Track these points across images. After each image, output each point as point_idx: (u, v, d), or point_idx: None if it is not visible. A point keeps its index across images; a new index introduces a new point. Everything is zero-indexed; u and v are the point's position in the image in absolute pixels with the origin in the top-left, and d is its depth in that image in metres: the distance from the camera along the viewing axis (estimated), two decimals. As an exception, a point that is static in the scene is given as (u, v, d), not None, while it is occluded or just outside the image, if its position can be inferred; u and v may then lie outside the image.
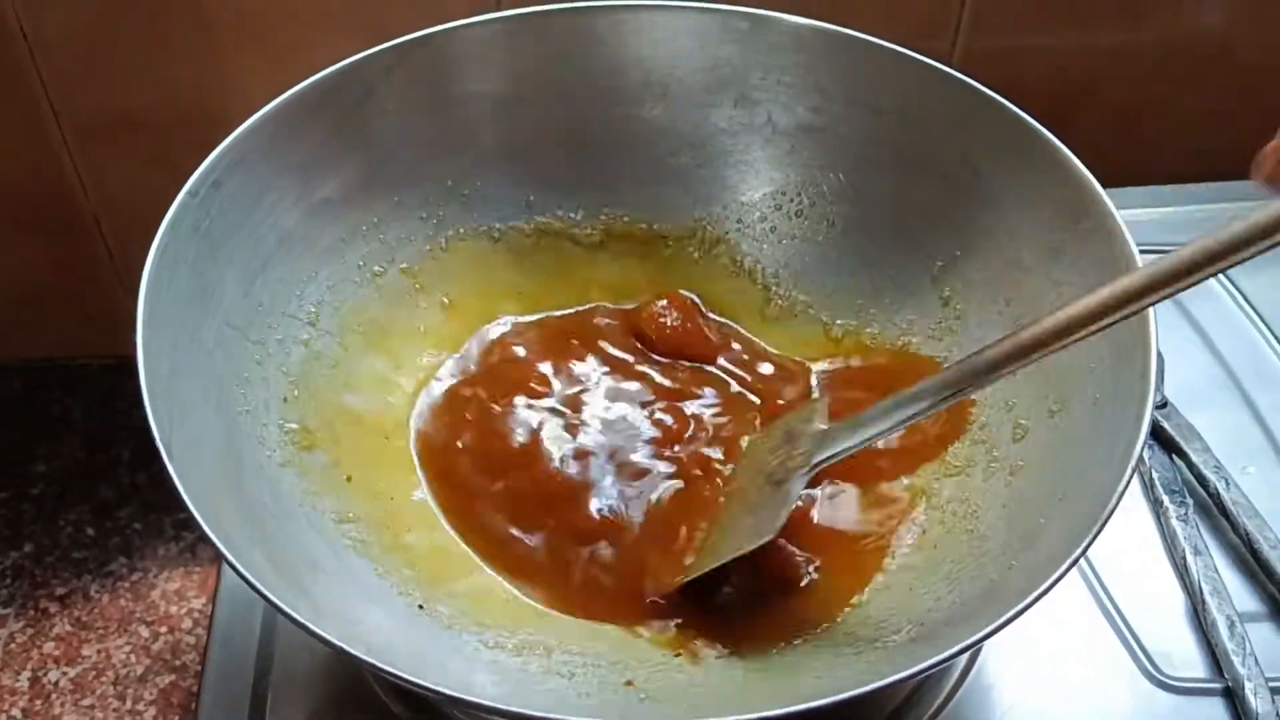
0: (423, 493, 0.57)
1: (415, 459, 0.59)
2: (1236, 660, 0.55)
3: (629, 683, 0.50)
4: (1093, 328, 0.43)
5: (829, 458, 0.52)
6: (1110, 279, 0.51)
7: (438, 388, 0.61)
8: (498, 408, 0.60)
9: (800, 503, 0.56)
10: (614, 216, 0.65)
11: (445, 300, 0.63)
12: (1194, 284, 0.41)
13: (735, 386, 0.62)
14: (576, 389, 0.61)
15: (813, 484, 0.57)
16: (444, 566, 0.54)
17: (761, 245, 0.65)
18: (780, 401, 0.61)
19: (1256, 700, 0.54)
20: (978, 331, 0.59)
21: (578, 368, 0.62)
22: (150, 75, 0.68)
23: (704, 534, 0.56)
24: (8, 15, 0.64)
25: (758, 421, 0.60)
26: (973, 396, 0.47)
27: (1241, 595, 0.58)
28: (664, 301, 0.63)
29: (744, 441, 0.59)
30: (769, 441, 0.57)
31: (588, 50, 0.62)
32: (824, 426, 0.54)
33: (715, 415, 0.60)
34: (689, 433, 0.59)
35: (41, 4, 0.64)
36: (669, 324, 0.63)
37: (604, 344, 0.63)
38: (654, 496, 0.57)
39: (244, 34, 0.67)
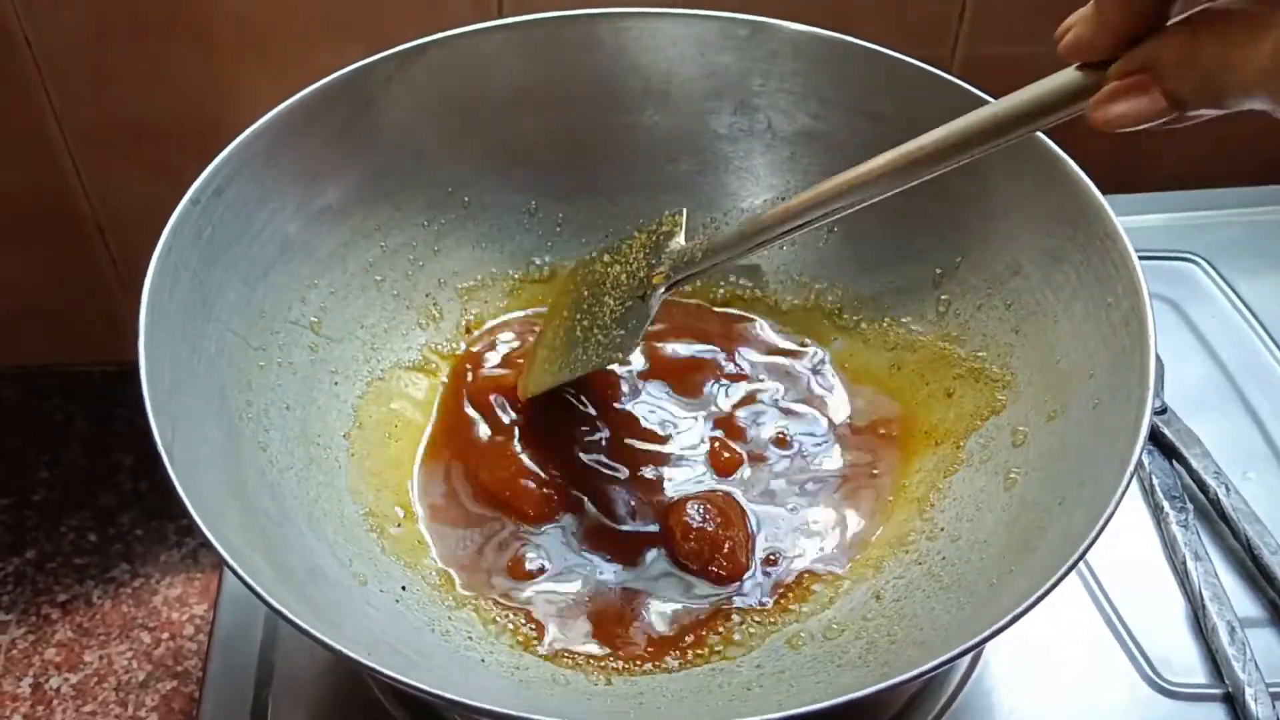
0: (421, 499, 0.58)
1: (417, 465, 0.59)
2: (1237, 666, 0.55)
3: (639, 693, 0.50)
4: (950, 161, 0.44)
5: (685, 276, 0.55)
6: (1111, 286, 0.52)
7: (440, 393, 0.61)
8: (499, 415, 0.61)
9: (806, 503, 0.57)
10: (615, 223, 0.66)
11: (447, 306, 0.63)
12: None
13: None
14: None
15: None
16: (443, 571, 0.55)
17: (761, 251, 0.65)
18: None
19: (1257, 706, 0.54)
20: (978, 335, 0.59)
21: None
22: (153, 84, 0.68)
23: (552, 344, 0.58)
24: (11, 24, 0.64)
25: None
26: (823, 222, 0.50)
27: (1242, 601, 0.58)
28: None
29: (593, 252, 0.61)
30: (628, 253, 0.58)
31: (588, 57, 0.62)
32: (682, 242, 0.56)
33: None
34: None
35: (45, 13, 0.65)
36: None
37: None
38: None
39: (245, 43, 0.67)
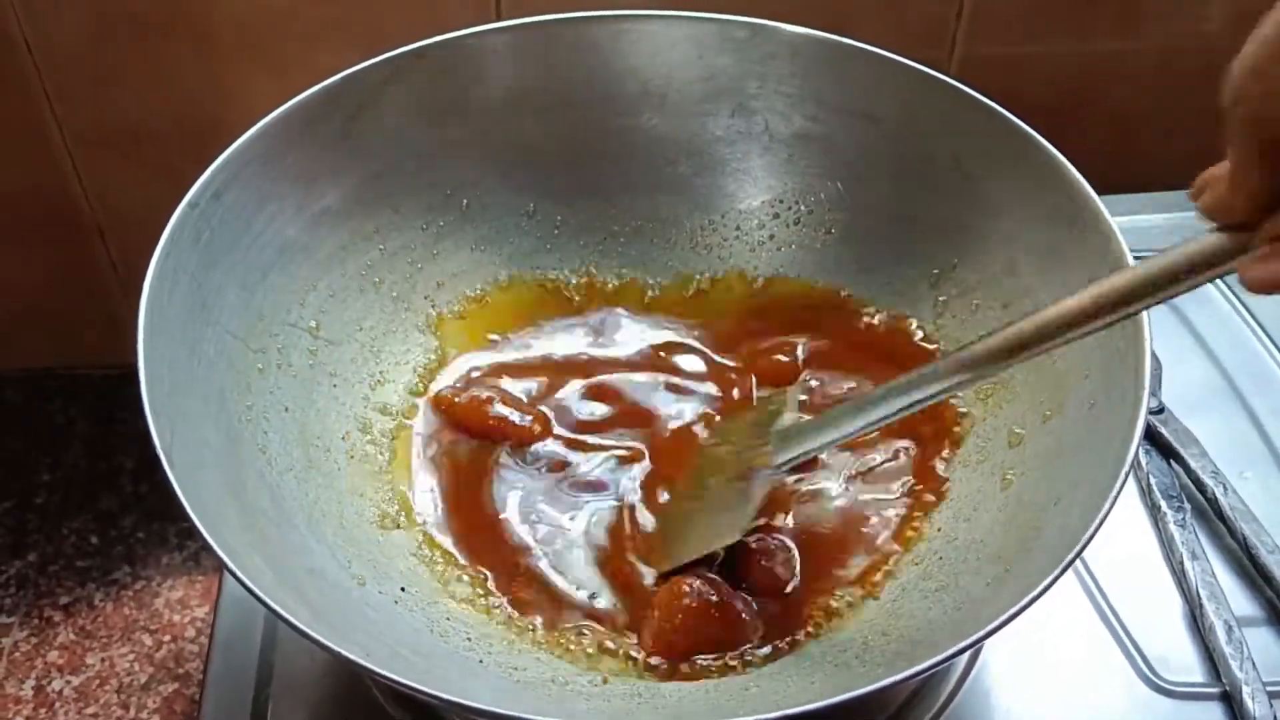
0: (422, 502, 0.58)
1: (417, 468, 0.59)
2: (1234, 665, 0.55)
3: (636, 693, 0.50)
4: (1068, 335, 0.42)
5: (794, 458, 0.52)
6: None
7: (440, 397, 0.62)
8: (496, 421, 0.61)
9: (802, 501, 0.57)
10: (613, 225, 0.66)
11: (446, 309, 0.63)
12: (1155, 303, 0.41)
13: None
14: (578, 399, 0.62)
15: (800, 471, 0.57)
16: (442, 575, 0.55)
17: (760, 253, 0.65)
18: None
19: (1254, 705, 0.54)
20: (976, 336, 0.59)
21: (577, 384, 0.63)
22: (153, 87, 0.68)
23: (665, 524, 0.56)
24: (11, 27, 0.65)
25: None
26: (945, 399, 0.47)
27: (1239, 600, 0.58)
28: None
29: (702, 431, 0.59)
30: (736, 432, 0.56)
31: (586, 60, 0.62)
32: (791, 421, 0.53)
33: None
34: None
35: (45, 16, 0.65)
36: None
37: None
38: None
39: (245, 46, 0.68)
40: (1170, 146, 0.82)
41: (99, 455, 0.75)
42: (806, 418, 0.53)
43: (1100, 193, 0.54)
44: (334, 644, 0.42)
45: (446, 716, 0.54)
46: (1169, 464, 0.64)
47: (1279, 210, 0.37)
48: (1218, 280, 0.72)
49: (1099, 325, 0.41)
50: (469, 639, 0.52)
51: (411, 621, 0.51)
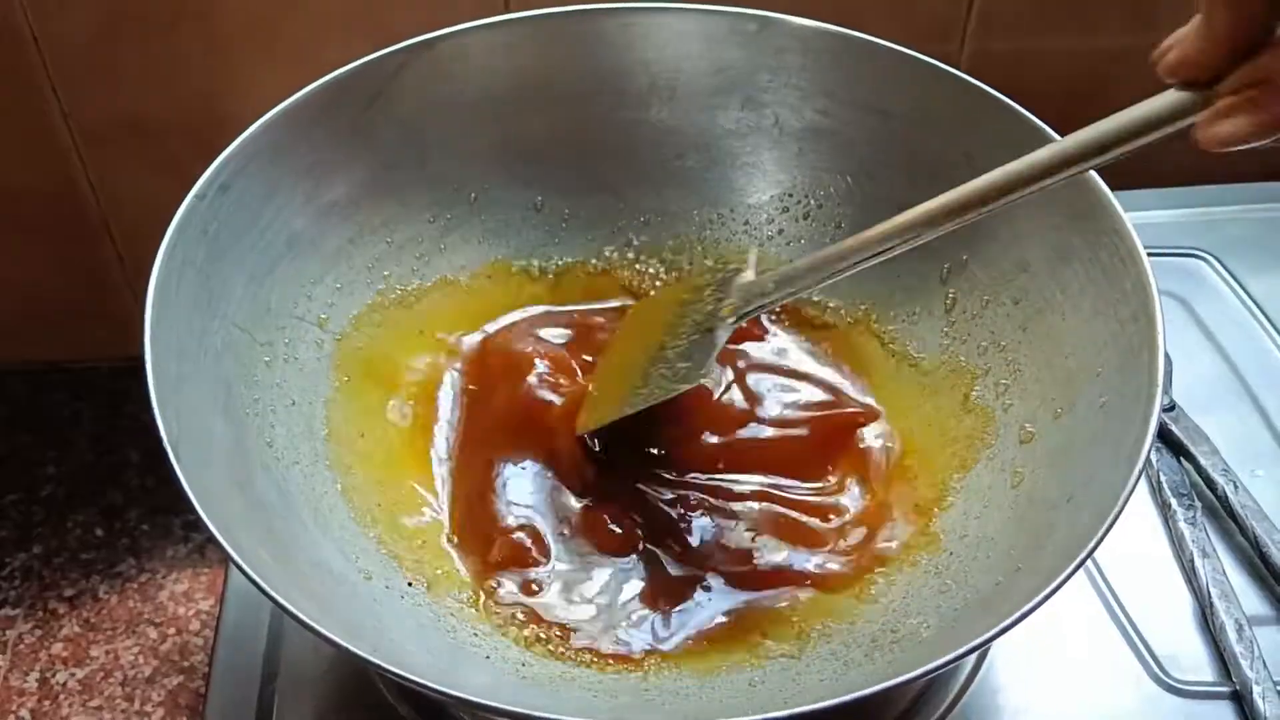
0: (429, 496, 0.57)
1: (424, 462, 0.59)
2: (1245, 663, 0.55)
3: (641, 690, 0.50)
4: (1031, 188, 0.44)
5: (756, 308, 0.54)
6: (1119, 283, 0.52)
7: (447, 389, 0.61)
8: (507, 404, 0.60)
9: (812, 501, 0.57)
10: (621, 219, 0.65)
11: (453, 302, 0.63)
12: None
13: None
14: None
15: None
16: (450, 567, 0.55)
17: (768, 248, 0.65)
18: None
19: (1265, 704, 0.53)
20: (986, 332, 0.59)
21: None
22: (159, 80, 0.68)
23: (614, 374, 0.57)
24: (19, 20, 0.64)
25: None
26: (896, 253, 0.49)
27: (1250, 598, 0.58)
28: None
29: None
30: (698, 290, 0.57)
31: (595, 52, 0.62)
32: (752, 277, 0.55)
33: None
34: None
35: (52, 10, 0.65)
36: None
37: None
38: None
39: (252, 38, 0.67)
40: (1180, 142, 0.82)
41: (104, 449, 0.75)
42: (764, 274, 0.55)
43: (1110, 188, 0.53)
44: (341, 639, 0.41)
45: (452, 712, 0.54)
46: (1179, 461, 0.63)
47: (1242, 63, 0.37)
48: (1228, 276, 0.73)
49: (1056, 179, 0.43)
50: (475, 634, 0.51)
51: (417, 617, 0.51)
